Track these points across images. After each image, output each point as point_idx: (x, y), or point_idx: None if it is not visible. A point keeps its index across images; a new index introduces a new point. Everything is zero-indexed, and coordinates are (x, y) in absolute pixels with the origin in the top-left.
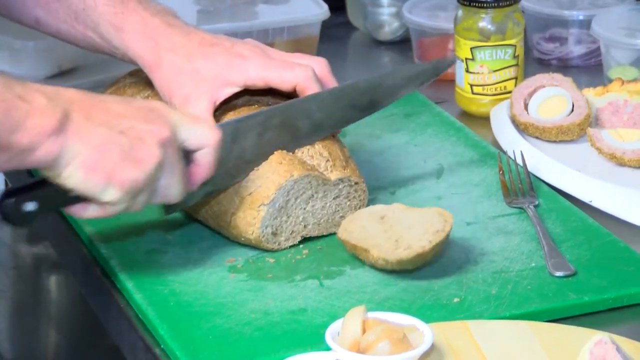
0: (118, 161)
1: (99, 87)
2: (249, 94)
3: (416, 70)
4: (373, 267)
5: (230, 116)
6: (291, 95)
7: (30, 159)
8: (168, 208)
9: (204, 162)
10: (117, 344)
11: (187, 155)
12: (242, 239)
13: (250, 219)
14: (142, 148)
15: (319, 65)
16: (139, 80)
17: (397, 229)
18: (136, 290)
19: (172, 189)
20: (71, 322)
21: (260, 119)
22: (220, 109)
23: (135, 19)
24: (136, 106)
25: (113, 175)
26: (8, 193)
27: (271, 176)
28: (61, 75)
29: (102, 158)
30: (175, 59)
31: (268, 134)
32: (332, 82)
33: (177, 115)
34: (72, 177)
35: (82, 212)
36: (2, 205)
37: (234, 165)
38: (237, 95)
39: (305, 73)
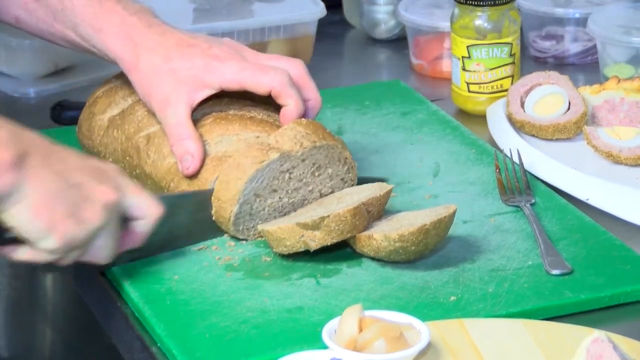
0: (64, 213)
1: (95, 85)
2: (227, 96)
3: None
4: (373, 259)
5: (210, 121)
6: (268, 98)
7: None
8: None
9: (139, 232)
10: (113, 342)
11: (123, 220)
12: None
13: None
14: (89, 207)
15: (295, 67)
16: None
17: (400, 220)
18: (133, 288)
19: (104, 251)
20: (67, 321)
21: (198, 198)
22: (199, 111)
23: (113, 19)
24: (91, 164)
25: (56, 226)
26: None
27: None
28: (57, 74)
29: (51, 206)
30: (152, 59)
31: (201, 213)
32: (309, 84)
33: (125, 181)
34: (18, 216)
35: (12, 253)
36: None
37: (163, 238)
38: (215, 97)
39: (280, 78)
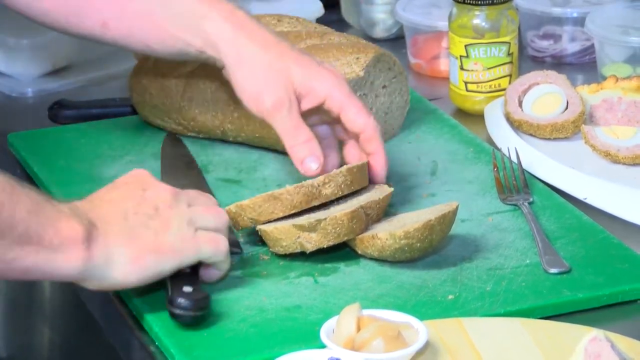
0: (152, 236)
1: (93, 85)
2: None
3: None
4: (375, 258)
5: None
6: None
7: (57, 262)
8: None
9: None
10: (111, 341)
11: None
12: None
13: None
14: (159, 215)
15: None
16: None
17: (401, 220)
18: (131, 287)
19: (215, 222)
20: (65, 320)
21: None
22: None
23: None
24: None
25: (158, 249)
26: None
27: None
28: (55, 73)
29: (138, 244)
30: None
31: None
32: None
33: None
34: (126, 275)
35: (210, 277)
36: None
37: None
38: None
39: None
